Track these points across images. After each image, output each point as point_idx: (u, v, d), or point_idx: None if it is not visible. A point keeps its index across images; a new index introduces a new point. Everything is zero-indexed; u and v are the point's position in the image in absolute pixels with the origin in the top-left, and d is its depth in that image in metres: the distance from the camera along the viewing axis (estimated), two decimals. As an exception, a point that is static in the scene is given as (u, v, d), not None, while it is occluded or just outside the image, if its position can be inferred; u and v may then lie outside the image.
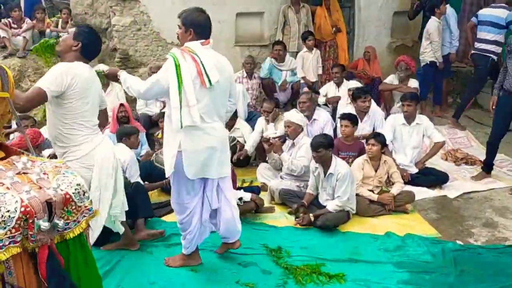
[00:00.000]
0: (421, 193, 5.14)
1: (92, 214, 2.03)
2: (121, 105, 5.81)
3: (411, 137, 5.52)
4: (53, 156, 4.58)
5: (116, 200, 3.42)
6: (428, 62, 7.26)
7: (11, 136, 5.32)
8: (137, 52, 7.77)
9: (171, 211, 4.71)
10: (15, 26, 7.58)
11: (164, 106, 6.69)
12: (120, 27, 7.63)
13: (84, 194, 1.97)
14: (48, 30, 7.71)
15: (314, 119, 5.71)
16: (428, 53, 7.22)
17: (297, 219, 4.44)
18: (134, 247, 3.96)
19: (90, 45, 3.32)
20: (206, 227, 3.62)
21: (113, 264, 3.73)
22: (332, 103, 6.76)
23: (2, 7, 7.78)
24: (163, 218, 4.67)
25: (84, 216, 1.98)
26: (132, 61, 7.78)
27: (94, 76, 3.35)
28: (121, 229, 3.67)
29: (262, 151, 5.48)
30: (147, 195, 4.49)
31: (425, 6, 7.83)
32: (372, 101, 5.94)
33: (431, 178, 5.41)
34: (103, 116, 3.58)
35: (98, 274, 2.20)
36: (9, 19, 7.57)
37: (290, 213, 4.58)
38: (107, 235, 4.00)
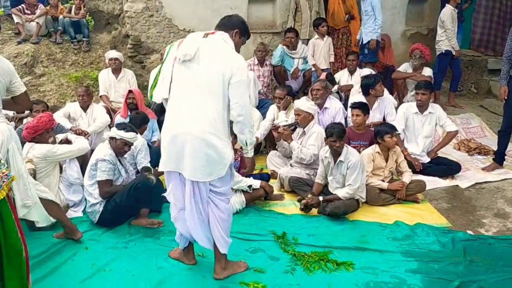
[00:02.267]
0: (433, 182, 5.09)
1: (11, 179, 2.43)
2: (130, 91, 5.83)
3: (423, 126, 5.45)
4: (66, 141, 4.65)
5: (20, 189, 3.15)
6: (444, 51, 7.15)
7: (24, 120, 5.40)
8: (149, 39, 7.78)
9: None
10: (29, 12, 7.62)
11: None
12: (133, 13, 7.63)
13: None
14: (61, 16, 7.74)
15: (326, 108, 5.66)
16: (444, 41, 7.11)
17: (306, 198, 4.42)
18: (76, 235, 3.88)
19: None
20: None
21: (120, 250, 3.78)
22: (344, 91, 6.69)
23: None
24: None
25: (4, 181, 2.36)
26: (144, 47, 7.79)
27: None
28: (43, 221, 3.52)
29: (273, 138, 5.47)
30: (162, 191, 4.52)
31: None
32: (384, 88, 5.88)
33: (443, 167, 5.34)
34: (21, 100, 3.40)
35: (16, 241, 2.41)
36: (23, 5, 7.61)
37: (299, 200, 4.57)
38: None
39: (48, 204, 3.57)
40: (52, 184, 4.39)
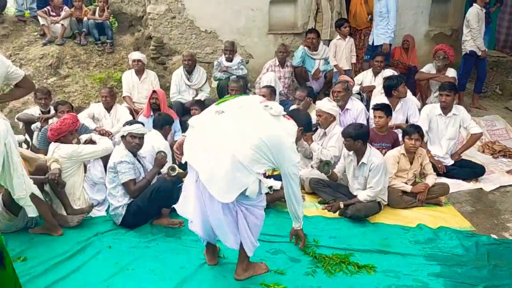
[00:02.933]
0: (456, 185, 5.01)
1: None
2: (154, 92, 5.90)
3: (447, 128, 5.37)
4: (90, 141, 4.73)
5: (15, 182, 3.47)
6: (468, 51, 7.03)
7: (50, 121, 5.51)
8: (171, 40, 7.86)
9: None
10: (54, 14, 7.77)
11: (197, 94, 6.78)
12: (155, 15, 7.72)
13: None
14: (85, 18, 7.87)
15: (347, 109, 5.63)
16: (469, 41, 7.00)
17: (326, 205, 4.40)
18: (56, 232, 3.97)
19: None
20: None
21: (142, 249, 3.83)
22: (367, 92, 6.64)
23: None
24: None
25: None
26: (167, 49, 7.88)
27: None
28: (33, 212, 3.73)
29: (294, 139, 5.46)
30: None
31: None
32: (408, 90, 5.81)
33: (467, 170, 5.26)
34: (24, 83, 3.57)
35: None
36: (48, 7, 7.77)
37: (320, 202, 4.55)
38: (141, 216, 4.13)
39: (33, 197, 3.74)
40: (77, 183, 4.49)
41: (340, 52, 7.21)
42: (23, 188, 3.57)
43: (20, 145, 4.76)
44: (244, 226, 3.19)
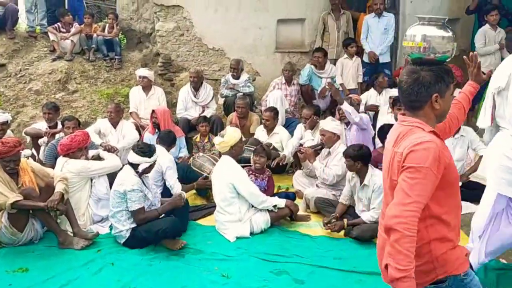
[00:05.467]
0: (465, 207, 4.84)
1: None
2: (153, 111, 5.93)
3: (455, 149, 5.32)
4: (97, 157, 4.74)
5: None
6: (477, 72, 7.01)
7: (57, 136, 5.54)
8: (179, 57, 7.93)
9: (206, 214, 4.79)
10: (64, 30, 7.87)
11: (203, 111, 6.80)
12: (164, 32, 7.80)
13: None
14: (94, 35, 7.97)
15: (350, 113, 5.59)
16: (477, 62, 6.99)
17: (329, 225, 4.35)
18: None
19: None
20: None
21: (145, 267, 3.79)
22: (371, 111, 6.63)
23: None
24: (199, 221, 4.70)
25: None
26: (174, 65, 7.94)
27: None
28: None
29: (299, 158, 5.45)
30: (187, 210, 4.60)
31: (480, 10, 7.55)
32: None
33: (476, 192, 5.17)
34: None
35: None
36: (58, 24, 7.87)
37: (325, 224, 4.45)
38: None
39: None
40: (83, 199, 4.49)
41: (346, 71, 7.24)
42: None
43: (27, 159, 4.76)
44: None
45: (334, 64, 7.41)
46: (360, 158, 4.30)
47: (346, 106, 5.27)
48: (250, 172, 4.85)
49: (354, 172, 4.43)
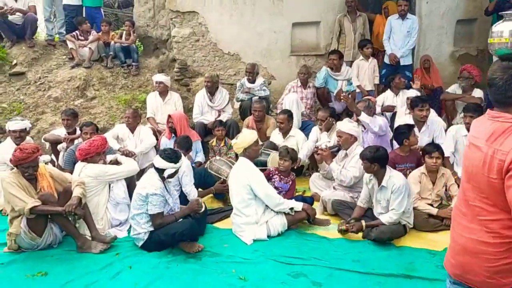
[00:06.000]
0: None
1: None
2: (169, 116, 5.96)
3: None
4: (115, 162, 4.79)
5: None
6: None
7: (75, 141, 5.62)
8: (195, 63, 7.98)
9: (223, 217, 4.79)
10: (82, 38, 8.00)
11: (219, 115, 6.82)
12: (180, 38, 7.87)
13: None
14: (112, 42, 8.07)
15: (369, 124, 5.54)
16: (496, 61, 6.87)
17: (347, 225, 4.29)
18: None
19: None
20: None
21: (162, 270, 3.80)
22: (388, 112, 6.56)
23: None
24: (216, 225, 4.71)
25: None
26: (190, 71, 7.99)
27: None
28: None
29: (315, 160, 5.41)
30: (205, 215, 4.59)
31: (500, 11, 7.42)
32: (432, 110, 5.70)
33: (496, 193, 5.07)
34: None
35: None
36: (76, 32, 8.01)
37: (340, 231, 4.38)
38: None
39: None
40: (101, 203, 4.52)
41: (362, 72, 7.19)
42: None
43: (46, 164, 4.84)
44: None
45: (351, 66, 7.36)
46: (377, 160, 4.25)
47: (364, 117, 5.21)
48: (276, 172, 4.83)
49: (372, 174, 4.38)
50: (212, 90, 6.82)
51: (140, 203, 4.06)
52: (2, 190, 4.19)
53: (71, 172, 4.70)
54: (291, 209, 4.39)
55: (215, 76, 6.87)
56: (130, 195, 4.46)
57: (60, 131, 5.98)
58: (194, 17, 7.86)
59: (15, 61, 7.98)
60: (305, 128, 6.37)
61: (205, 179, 5.19)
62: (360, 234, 4.28)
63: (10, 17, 7.99)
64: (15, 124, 5.33)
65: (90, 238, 4.21)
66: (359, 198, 4.61)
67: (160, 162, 4.12)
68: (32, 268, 3.81)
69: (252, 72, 6.90)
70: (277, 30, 7.91)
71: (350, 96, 6.40)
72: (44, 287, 3.52)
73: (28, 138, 5.57)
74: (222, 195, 5.26)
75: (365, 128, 5.48)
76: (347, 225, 4.27)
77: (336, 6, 7.95)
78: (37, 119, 7.29)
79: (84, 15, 8.43)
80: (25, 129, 5.42)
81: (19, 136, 5.30)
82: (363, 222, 4.26)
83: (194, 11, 7.79)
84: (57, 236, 4.21)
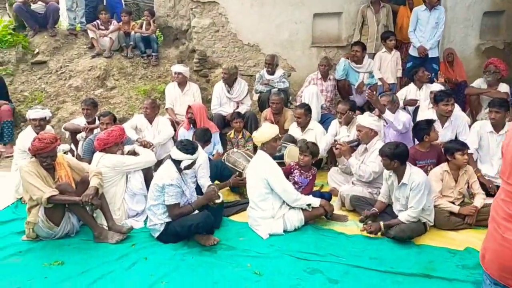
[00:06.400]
0: None
1: None
2: (189, 107, 5.94)
3: (498, 146, 5.06)
4: (133, 153, 4.79)
5: None
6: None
7: (94, 131, 5.64)
8: (214, 53, 7.94)
9: (239, 211, 4.76)
10: (103, 28, 8.03)
11: (238, 107, 6.77)
12: (199, 28, 7.83)
13: None
14: (132, 32, 8.08)
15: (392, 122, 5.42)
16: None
17: (365, 225, 4.23)
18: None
19: None
20: None
21: (177, 262, 3.79)
22: (410, 105, 6.41)
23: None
24: (232, 218, 4.68)
25: None
26: (209, 61, 7.96)
27: None
28: None
29: (334, 154, 5.32)
30: (221, 208, 4.55)
31: None
32: (456, 105, 5.53)
33: None
34: None
35: None
36: (97, 21, 8.04)
37: (361, 221, 4.36)
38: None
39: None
40: (118, 194, 4.54)
41: (385, 65, 7.03)
42: None
43: (65, 154, 4.87)
44: None
45: (373, 58, 7.22)
46: (397, 157, 4.14)
47: (388, 115, 5.09)
48: (297, 167, 4.76)
49: (391, 170, 4.28)
50: (229, 82, 6.76)
51: (157, 193, 4.06)
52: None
53: (90, 162, 4.73)
54: (309, 205, 4.33)
55: (232, 68, 6.79)
56: (147, 186, 4.46)
57: (80, 121, 6.02)
58: (214, 7, 7.80)
59: (37, 50, 8.07)
60: (325, 121, 6.27)
61: (221, 172, 5.16)
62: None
63: (32, 6, 8.07)
64: (35, 113, 5.37)
65: (106, 228, 4.23)
66: (379, 193, 4.51)
67: (177, 154, 4.10)
68: (49, 256, 3.85)
69: (272, 64, 6.81)
70: (298, 21, 7.80)
71: (372, 90, 6.29)
72: (61, 276, 3.54)
73: (48, 127, 5.62)
74: (239, 188, 5.22)
75: (387, 123, 5.35)
76: (364, 225, 4.20)
77: (358, -4, 7.80)
78: (58, 108, 7.37)
79: (105, 5, 8.45)
80: (45, 118, 5.46)
81: (39, 124, 5.35)
82: (381, 223, 4.17)
83: (214, 1, 7.75)
84: (74, 226, 4.24)
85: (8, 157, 6.63)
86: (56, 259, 3.78)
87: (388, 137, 5.30)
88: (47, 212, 3.98)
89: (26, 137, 5.14)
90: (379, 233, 4.19)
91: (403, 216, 4.11)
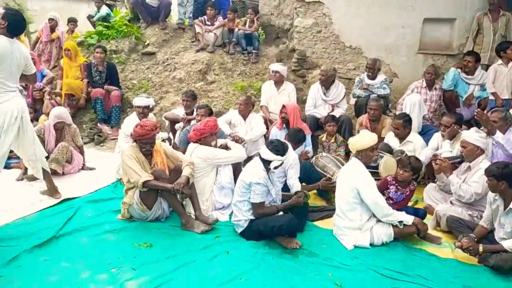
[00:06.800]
0: None
1: None
2: (284, 106, 5.92)
3: None
4: (225, 147, 4.89)
5: (27, 147, 4.31)
6: None
7: (192, 122, 5.84)
8: (314, 54, 7.85)
9: (325, 217, 4.64)
10: (209, 23, 8.31)
11: (333, 110, 6.61)
12: (302, 28, 7.78)
13: None
14: (236, 29, 8.26)
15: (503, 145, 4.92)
16: None
17: (462, 240, 3.83)
18: (55, 196, 4.78)
19: (14, 25, 4.04)
20: None
21: (258, 260, 3.76)
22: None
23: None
24: (316, 223, 4.57)
25: None
26: (308, 62, 7.88)
27: (14, 49, 4.02)
28: (39, 176, 4.62)
29: (433, 169, 4.97)
30: (306, 212, 4.50)
31: None
32: None
33: None
34: (30, 78, 4.46)
35: None
36: (204, 17, 8.33)
37: (456, 246, 3.97)
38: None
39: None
40: (208, 185, 4.65)
41: (500, 79, 6.42)
42: (34, 153, 4.39)
43: (163, 141, 5.10)
44: None
45: (486, 70, 6.65)
46: (506, 178, 3.74)
47: (498, 137, 4.64)
48: (394, 182, 4.51)
49: (497, 193, 3.88)
50: (326, 84, 6.62)
51: (243, 190, 4.08)
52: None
53: (184, 152, 4.90)
54: (400, 222, 4.08)
55: (331, 70, 6.63)
56: (235, 180, 4.51)
57: (180, 111, 6.28)
58: (319, 8, 7.71)
59: (147, 42, 8.58)
60: (426, 133, 5.88)
61: (309, 174, 5.06)
62: (476, 258, 3.83)
63: (147, 0, 8.57)
64: (140, 101, 5.70)
65: (193, 217, 4.35)
66: (480, 217, 4.13)
67: (267, 154, 4.08)
68: (139, 238, 4.04)
69: (373, 68, 6.56)
70: (406, 25, 7.44)
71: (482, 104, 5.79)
72: (148, 258, 3.70)
73: (151, 115, 5.93)
74: (326, 193, 5.09)
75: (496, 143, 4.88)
76: (462, 240, 3.83)
77: (474, 2, 7.26)
78: (161, 97, 7.76)
79: (213, 1, 8.74)
80: (149, 106, 5.76)
81: (142, 112, 5.66)
82: (481, 246, 3.80)
83: (319, 1, 7.66)
84: (164, 211, 4.42)
85: (113, 139, 7.13)
86: (145, 240, 3.96)
87: (496, 156, 4.82)
88: (142, 196, 4.19)
89: (130, 122, 5.46)
90: (475, 260, 3.82)
91: (507, 244, 3.70)
